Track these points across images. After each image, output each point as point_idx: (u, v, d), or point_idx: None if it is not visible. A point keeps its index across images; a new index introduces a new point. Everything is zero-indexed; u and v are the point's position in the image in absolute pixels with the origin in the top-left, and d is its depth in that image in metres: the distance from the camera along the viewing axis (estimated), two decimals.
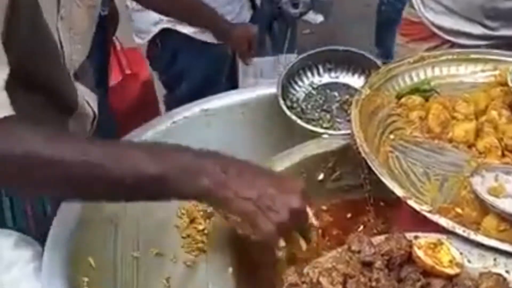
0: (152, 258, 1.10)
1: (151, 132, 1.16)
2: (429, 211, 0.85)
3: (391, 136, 1.03)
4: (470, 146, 1.01)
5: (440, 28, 1.59)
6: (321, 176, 1.09)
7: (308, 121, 1.17)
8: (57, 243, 0.96)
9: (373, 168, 0.92)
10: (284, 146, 1.23)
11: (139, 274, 1.06)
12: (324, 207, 1.10)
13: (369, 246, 0.79)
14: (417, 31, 1.66)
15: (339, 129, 1.17)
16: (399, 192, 0.88)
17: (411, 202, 0.87)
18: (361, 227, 1.06)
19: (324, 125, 1.18)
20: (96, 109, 1.13)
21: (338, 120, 1.20)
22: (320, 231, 1.06)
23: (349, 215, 1.09)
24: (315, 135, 1.14)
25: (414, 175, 0.96)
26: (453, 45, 1.60)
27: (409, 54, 1.68)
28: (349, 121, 1.18)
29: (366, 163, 1.05)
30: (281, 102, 1.16)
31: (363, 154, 0.95)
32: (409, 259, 0.79)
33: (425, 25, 1.61)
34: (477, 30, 1.55)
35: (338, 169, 1.09)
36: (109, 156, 0.78)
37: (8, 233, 1.04)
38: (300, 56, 1.24)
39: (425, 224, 0.87)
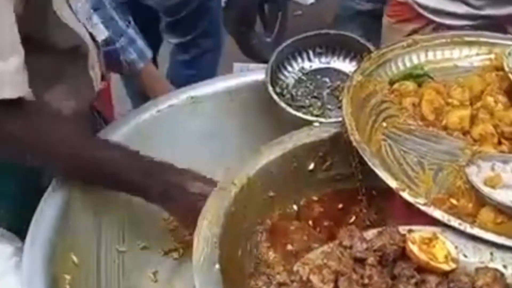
0: (138, 252, 1.07)
1: (134, 121, 1.12)
2: (424, 204, 0.81)
3: (384, 124, 0.99)
4: (465, 133, 0.97)
5: (424, 8, 1.56)
6: (311, 166, 1.05)
7: (298, 108, 1.14)
8: (38, 238, 0.93)
9: (365, 158, 0.89)
10: (274, 134, 1.18)
11: (124, 269, 1.03)
12: (314, 198, 1.06)
13: (361, 241, 0.76)
14: (402, 12, 1.63)
15: (330, 117, 1.13)
16: (392, 183, 0.85)
17: (404, 194, 0.83)
18: (353, 218, 1.03)
19: (315, 112, 1.14)
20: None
21: (329, 107, 1.16)
22: (311, 222, 1.03)
23: (340, 206, 1.05)
24: (305, 123, 1.10)
25: (408, 165, 0.93)
26: (438, 25, 1.57)
27: (395, 36, 1.68)
28: (340, 108, 1.14)
29: (358, 152, 1.03)
30: (270, 88, 1.12)
31: (354, 143, 0.91)
32: (403, 254, 0.76)
33: (410, 5, 1.58)
34: (461, 9, 1.52)
35: (329, 158, 1.06)
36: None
37: None
38: (290, 41, 1.19)
39: (419, 215, 0.84)
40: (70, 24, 0.98)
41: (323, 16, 3.44)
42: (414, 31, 1.58)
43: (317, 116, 1.13)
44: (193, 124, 1.17)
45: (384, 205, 1.03)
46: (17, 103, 0.87)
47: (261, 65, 1.74)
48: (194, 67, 2.26)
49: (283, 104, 1.10)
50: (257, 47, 3.08)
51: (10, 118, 0.88)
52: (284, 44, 1.19)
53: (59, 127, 0.95)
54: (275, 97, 1.11)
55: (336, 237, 0.99)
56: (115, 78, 1.83)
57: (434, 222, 0.82)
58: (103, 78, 1.13)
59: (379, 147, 0.95)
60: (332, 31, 1.21)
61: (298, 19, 3.35)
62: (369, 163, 0.88)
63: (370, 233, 0.80)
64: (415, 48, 1.12)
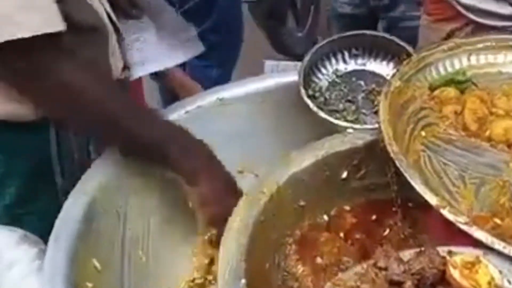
0: (164, 258, 1.04)
1: None
2: (465, 223, 0.76)
3: (423, 133, 0.94)
4: (510, 145, 0.92)
5: (466, 7, 1.48)
6: (344, 174, 1.00)
7: (331, 112, 1.09)
8: (60, 242, 0.90)
9: (402, 171, 0.83)
10: (305, 138, 1.14)
11: (149, 277, 1.00)
12: (347, 207, 1.01)
13: (398, 262, 0.71)
14: (442, 10, 1.56)
15: (365, 122, 1.08)
16: (431, 199, 0.80)
17: (445, 212, 0.78)
18: (387, 231, 0.98)
19: (349, 117, 1.09)
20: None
21: (364, 111, 1.11)
22: (342, 234, 0.99)
23: (373, 217, 1.00)
24: (339, 129, 1.05)
25: (448, 178, 0.88)
26: (479, 25, 1.50)
27: (432, 35, 1.61)
28: (375, 113, 1.10)
29: (393, 161, 0.98)
30: (303, 91, 1.08)
31: (391, 154, 0.86)
32: (442, 278, 0.71)
33: (450, 4, 1.51)
34: (505, 9, 1.44)
35: (364, 166, 1.01)
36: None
37: (10, 230, 0.98)
38: (324, 41, 1.14)
39: (459, 235, 0.79)
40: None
41: None
42: (453, 31, 1.51)
43: (351, 121, 1.08)
44: (221, 126, 1.13)
45: (420, 219, 0.98)
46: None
47: (293, 63, 1.70)
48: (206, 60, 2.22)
49: (315, 109, 1.06)
50: (289, 42, 3.03)
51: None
52: (318, 45, 1.14)
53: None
54: (307, 101, 1.07)
55: (368, 251, 0.97)
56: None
57: (476, 243, 0.77)
58: (125, 68, 1.09)
59: (418, 158, 0.90)
60: (368, 32, 1.15)
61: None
62: (407, 177, 0.83)
63: (407, 254, 0.75)
64: (457, 51, 1.06)
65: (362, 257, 0.95)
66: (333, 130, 1.06)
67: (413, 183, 0.82)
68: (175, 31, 1.24)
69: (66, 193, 0.99)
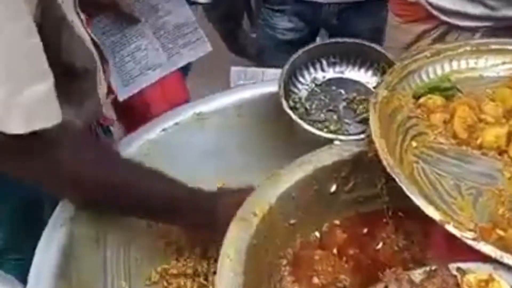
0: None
1: (138, 142, 1.03)
2: (473, 239, 0.74)
3: (414, 144, 0.92)
4: (501, 153, 0.90)
5: (437, 8, 1.48)
6: (333, 188, 0.97)
7: (313, 123, 1.05)
8: (40, 280, 0.83)
9: (401, 185, 0.81)
10: (286, 150, 1.11)
11: None
12: (337, 222, 0.99)
13: (410, 285, 0.68)
14: (412, 12, 1.55)
15: (348, 131, 1.05)
16: (434, 215, 0.78)
17: (450, 228, 0.76)
18: (380, 244, 0.96)
19: (331, 128, 1.06)
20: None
21: (346, 121, 1.08)
22: (335, 250, 0.96)
23: (365, 230, 0.98)
24: (324, 140, 1.02)
25: (444, 190, 0.85)
26: (451, 26, 1.50)
27: (402, 36, 1.61)
28: (358, 122, 1.07)
29: (384, 172, 0.95)
30: (284, 103, 1.04)
31: (388, 169, 0.83)
32: None
33: (421, 6, 1.50)
34: (477, 10, 1.44)
35: (352, 179, 0.98)
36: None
37: None
38: (302, 50, 1.11)
39: (463, 248, 0.77)
40: (81, 35, 0.88)
41: None
42: (424, 32, 1.51)
43: (334, 131, 1.05)
44: (200, 142, 1.08)
45: (413, 230, 0.97)
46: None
47: (260, 69, 1.66)
48: None
49: (299, 121, 1.02)
50: (245, 44, 2.99)
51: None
52: (295, 55, 1.11)
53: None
54: (290, 113, 1.03)
55: (363, 266, 0.94)
56: None
57: (482, 256, 0.75)
58: (109, 92, 1.04)
59: (412, 170, 0.88)
60: (348, 39, 1.12)
61: None
62: (406, 191, 0.80)
63: (417, 274, 0.72)
64: (438, 57, 1.04)
65: (357, 273, 0.93)
66: (316, 142, 1.03)
67: (413, 198, 0.79)
68: (179, 32, 1.19)
69: None
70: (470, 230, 0.76)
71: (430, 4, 1.45)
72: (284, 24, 1.96)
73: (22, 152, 0.77)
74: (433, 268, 0.72)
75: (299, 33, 1.97)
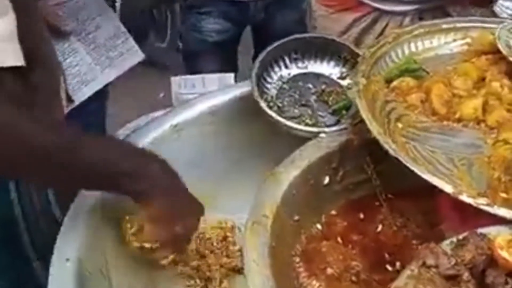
0: None
1: None
2: (487, 204, 0.79)
3: (399, 125, 0.96)
4: (479, 122, 0.96)
5: None
6: (326, 180, 0.99)
7: (289, 119, 1.07)
8: None
9: (409, 166, 0.84)
10: (264, 150, 1.12)
11: None
12: (333, 212, 1.01)
13: (447, 257, 0.71)
14: (341, 1, 1.60)
15: (325, 123, 1.08)
16: (447, 188, 0.81)
17: (464, 198, 0.80)
18: (380, 226, 0.99)
19: (308, 122, 1.08)
20: None
21: (320, 113, 1.10)
22: (339, 239, 0.98)
23: (361, 216, 1.01)
24: (298, 135, 1.04)
25: (440, 164, 0.90)
26: (381, 12, 1.57)
27: (334, 26, 1.66)
28: (332, 113, 1.10)
29: (372, 157, 0.99)
30: (263, 104, 1.04)
31: (391, 152, 0.86)
32: (491, 261, 0.73)
33: None
34: None
35: (341, 168, 1.00)
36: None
37: None
38: (265, 51, 1.12)
39: (474, 216, 0.82)
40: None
41: None
42: (356, 20, 1.56)
43: (312, 125, 1.06)
44: (178, 154, 1.04)
45: (406, 208, 1.01)
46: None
47: (199, 76, 1.65)
48: None
49: (282, 120, 1.03)
50: (153, 55, 2.96)
51: None
52: (260, 57, 1.11)
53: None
54: (271, 113, 1.03)
55: (369, 250, 0.97)
56: None
57: (493, 221, 0.80)
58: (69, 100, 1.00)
59: (406, 151, 0.91)
60: (307, 35, 1.15)
61: None
62: (416, 171, 0.83)
63: (445, 245, 0.75)
64: (398, 42, 1.09)
65: (365, 257, 0.95)
66: (296, 137, 1.04)
67: (424, 176, 0.83)
68: (110, 44, 1.16)
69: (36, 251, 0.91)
70: (482, 196, 0.80)
71: None
72: (211, 27, 1.96)
73: None
74: (461, 237, 0.75)
75: (226, 34, 1.98)
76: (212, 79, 1.63)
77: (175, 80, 1.65)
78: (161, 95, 2.68)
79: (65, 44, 1.30)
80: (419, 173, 0.83)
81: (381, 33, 1.57)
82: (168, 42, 3.10)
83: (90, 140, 0.83)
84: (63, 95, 0.96)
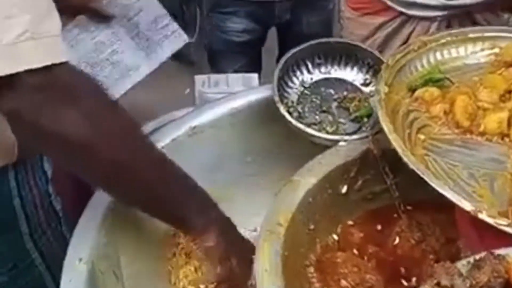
0: None
1: None
2: (508, 225, 0.76)
3: (421, 136, 0.94)
4: (503, 137, 0.94)
5: (394, 0, 1.52)
6: (344, 189, 0.98)
7: (309, 126, 1.05)
8: None
9: (428, 181, 0.82)
10: (284, 155, 1.12)
11: None
12: (350, 222, 0.99)
13: (462, 278, 0.70)
14: (369, 4, 1.58)
15: (345, 131, 1.06)
16: (466, 206, 0.79)
17: (483, 217, 0.78)
18: (397, 239, 0.97)
19: (328, 129, 1.06)
20: None
21: (341, 120, 1.08)
22: (355, 251, 0.96)
23: (379, 227, 0.99)
24: (317, 142, 1.03)
25: (460, 179, 0.87)
26: (408, 17, 1.55)
27: (361, 30, 1.64)
28: (353, 120, 1.08)
29: (392, 167, 0.97)
30: (282, 110, 1.03)
31: (410, 165, 0.84)
32: (507, 284, 0.71)
33: None
34: (433, 0, 1.49)
35: (360, 177, 0.99)
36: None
37: None
38: (288, 54, 1.10)
39: (492, 235, 0.80)
40: None
41: None
42: (383, 24, 1.54)
43: (332, 132, 1.05)
44: (197, 156, 1.06)
45: (425, 221, 0.99)
46: None
47: (223, 76, 1.64)
48: None
49: (301, 126, 1.01)
50: (184, 50, 2.96)
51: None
52: (283, 60, 1.10)
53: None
54: (292, 120, 1.02)
55: (386, 263, 0.95)
56: None
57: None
58: None
59: (426, 163, 0.89)
60: (331, 39, 1.13)
61: None
62: (435, 187, 0.81)
63: (460, 265, 0.73)
64: (424, 50, 1.07)
65: (381, 270, 0.94)
66: (315, 143, 1.03)
67: (444, 192, 0.80)
68: (153, 27, 1.15)
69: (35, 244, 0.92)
70: (502, 216, 0.78)
71: None
72: (236, 26, 1.95)
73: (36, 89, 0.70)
74: (477, 257, 0.73)
75: (251, 34, 1.97)
76: (236, 79, 1.63)
77: (199, 78, 1.65)
78: (187, 91, 2.68)
79: (109, 31, 1.28)
80: (436, 187, 0.81)
81: (407, 39, 1.55)
82: (196, 38, 3.11)
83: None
84: None
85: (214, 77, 1.62)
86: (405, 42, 1.51)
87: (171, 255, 0.98)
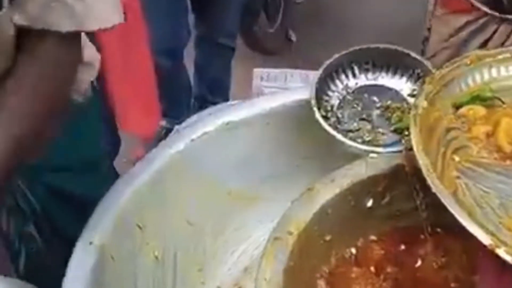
0: None
1: (168, 152, 0.99)
2: None
3: (456, 158, 0.88)
4: None
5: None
6: (370, 203, 0.94)
7: (346, 133, 1.02)
8: None
9: (449, 208, 0.77)
10: (317, 160, 1.08)
11: None
12: (373, 238, 0.95)
13: None
14: (456, 2, 1.51)
15: (383, 142, 1.01)
16: (485, 240, 0.74)
17: (501, 253, 0.72)
18: (419, 262, 0.92)
19: (365, 137, 1.02)
20: None
21: (380, 130, 1.03)
22: (372, 268, 0.92)
23: (402, 247, 0.94)
24: (353, 151, 0.99)
25: (490, 208, 0.81)
26: (492, 18, 1.46)
27: (443, 29, 1.56)
28: (393, 131, 1.03)
29: (423, 186, 0.92)
30: (317, 114, 1.00)
31: (434, 189, 0.79)
32: None
33: None
34: None
35: (389, 192, 0.94)
36: None
37: (10, 282, 0.88)
38: (333, 57, 1.07)
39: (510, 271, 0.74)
40: None
41: (325, 4, 3.32)
42: (468, 23, 1.46)
43: (369, 142, 1.01)
44: (229, 152, 1.05)
45: (453, 247, 0.93)
46: None
47: (279, 70, 1.63)
48: None
49: (334, 132, 0.98)
50: (261, 39, 2.97)
51: None
52: (328, 61, 1.06)
53: None
54: (326, 126, 0.99)
55: (403, 286, 0.90)
56: None
57: None
58: None
59: (455, 187, 0.84)
60: (381, 45, 1.08)
61: (299, 7, 3.22)
62: (455, 215, 0.76)
63: None
64: (478, 65, 1.00)
65: None
66: (348, 151, 0.99)
67: (463, 222, 0.75)
68: None
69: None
70: None
71: None
72: None
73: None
74: None
75: None
76: (294, 75, 1.60)
77: (257, 71, 1.64)
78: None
79: None
80: (454, 213, 0.75)
81: (489, 39, 1.46)
82: (277, 27, 3.10)
83: None
84: None
85: (273, 72, 1.62)
86: (485, 43, 1.45)
87: None
